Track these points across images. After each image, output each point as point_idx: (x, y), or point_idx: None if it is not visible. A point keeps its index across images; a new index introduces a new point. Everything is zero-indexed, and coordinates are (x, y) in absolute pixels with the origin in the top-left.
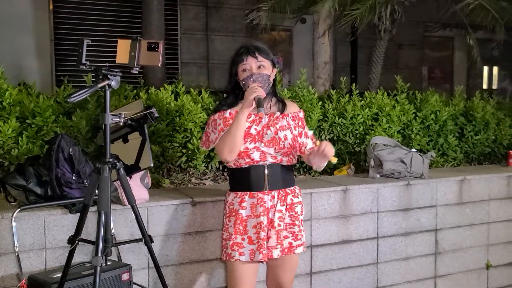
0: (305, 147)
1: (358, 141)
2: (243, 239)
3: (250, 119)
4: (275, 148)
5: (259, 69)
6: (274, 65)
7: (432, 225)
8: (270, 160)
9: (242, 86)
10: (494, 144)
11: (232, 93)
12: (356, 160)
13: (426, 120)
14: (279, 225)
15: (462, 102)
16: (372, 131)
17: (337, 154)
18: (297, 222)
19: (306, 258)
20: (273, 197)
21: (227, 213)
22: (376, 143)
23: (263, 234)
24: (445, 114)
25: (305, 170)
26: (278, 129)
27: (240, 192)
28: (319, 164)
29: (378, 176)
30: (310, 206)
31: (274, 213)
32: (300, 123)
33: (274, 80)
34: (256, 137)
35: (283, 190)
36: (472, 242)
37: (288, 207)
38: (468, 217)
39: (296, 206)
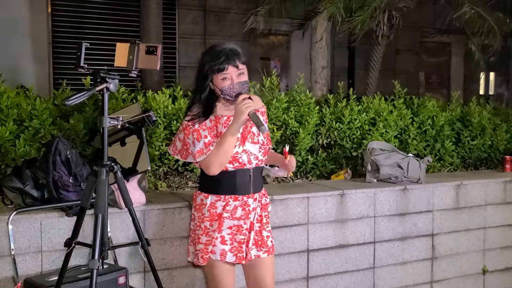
0: (270, 143)
1: (355, 145)
2: (216, 238)
3: None
4: (259, 147)
5: (238, 76)
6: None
7: (429, 229)
8: (254, 162)
9: (219, 93)
10: (491, 149)
11: (205, 101)
12: (353, 165)
13: (423, 125)
14: (259, 226)
15: (459, 107)
16: (369, 136)
17: (334, 159)
18: (269, 221)
19: (303, 263)
20: (255, 199)
21: (207, 216)
22: (373, 148)
23: (239, 237)
24: (442, 119)
25: (302, 174)
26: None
27: (223, 196)
28: (278, 174)
29: (375, 180)
30: (307, 210)
31: (255, 216)
32: (265, 119)
33: None
34: (242, 139)
35: (261, 192)
36: (469, 247)
37: (262, 207)
38: (465, 222)
39: (269, 206)
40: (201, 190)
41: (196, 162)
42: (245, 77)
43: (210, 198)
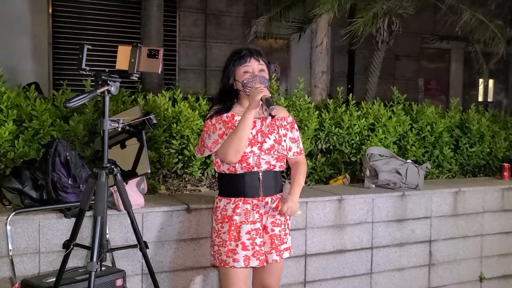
0: (290, 151)
1: (354, 151)
2: (237, 246)
3: None
4: (272, 153)
5: (260, 72)
6: (269, 71)
7: (427, 236)
8: (264, 166)
9: (241, 88)
10: (489, 156)
11: (228, 97)
12: (351, 170)
13: (422, 131)
14: (273, 230)
15: (458, 114)
16: (368, 141)
17: (333, 164)
18: (283, 226)
19: (300, 267)
20: (266, 203)
21: (219, 219)
22: (372, 154)
23: (259, 240)
24: (441, 126)
25: None
26: (277, 137)
27: (233, 198)
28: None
29: (373, 186)
30: (305, 215)
31: (267, 219)
32: (287, 126)
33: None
34: (252, 141)
35: (275, 196)
36: (466, 254)
37: (278, 212)
38: (462, 229)
39: None
40: (218, 194)
41: (215, 155)
42: (266, 75)
43: (223, 201)
